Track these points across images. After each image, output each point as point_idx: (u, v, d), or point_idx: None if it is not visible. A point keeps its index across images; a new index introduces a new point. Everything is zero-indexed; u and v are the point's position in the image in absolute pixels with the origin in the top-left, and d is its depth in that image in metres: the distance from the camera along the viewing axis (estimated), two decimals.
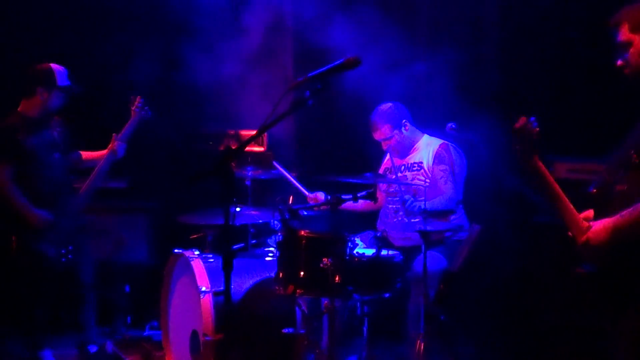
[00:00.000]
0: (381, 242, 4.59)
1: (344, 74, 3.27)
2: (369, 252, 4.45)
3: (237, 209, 5.11)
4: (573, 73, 5.28)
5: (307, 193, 5.28)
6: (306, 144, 6.02)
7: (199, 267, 4.77)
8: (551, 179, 3.21)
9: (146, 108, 5.42)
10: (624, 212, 2.97)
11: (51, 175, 5.17)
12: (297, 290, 4.24)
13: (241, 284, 4.85)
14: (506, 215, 5.22)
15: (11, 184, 5.00)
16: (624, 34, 3.10)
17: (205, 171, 3.20)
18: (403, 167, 5.17)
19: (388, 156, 5.21)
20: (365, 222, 5.42)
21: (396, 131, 5.14)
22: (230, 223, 3.11)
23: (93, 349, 5.35)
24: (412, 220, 4.81)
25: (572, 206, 3.19)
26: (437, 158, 5.03)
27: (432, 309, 4.49)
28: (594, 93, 5.09)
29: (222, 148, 6.05)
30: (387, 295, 4.38)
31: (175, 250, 5.05)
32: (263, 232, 5.37)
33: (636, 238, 2.96)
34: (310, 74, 3.30)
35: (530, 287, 5.08)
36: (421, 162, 5.10)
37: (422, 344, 4.42)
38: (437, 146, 5.08)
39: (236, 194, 3.00)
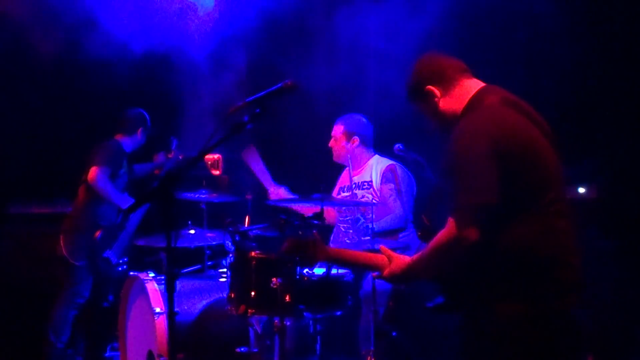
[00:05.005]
0: None
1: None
2: (319, 271, 4.52)
3: (191, 232, 5.18)
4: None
5: (270, 187, 5.24)
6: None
7: (153, 289, 4.84)
8: (342, 254, 3.27)
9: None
10: (414, 258, 2.93)
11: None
12: (249, 310, 4.28)
13: (195, 305, 4.93)
14: None
15: (109, 181, 5.47)
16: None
17: (145, 196, 3.27)
18: (354, 185, 5.28)
19: (343, 174, 5.32)
20: None
21: (343, 137, 5.25)
22: (173, 245, 3.17)
23: None
24: (362, 239, 4.90)
25: (371, 255, 3.16)
26: (384, 177, 5.14)
27: (382, 326, 4.56)
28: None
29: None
30: (338, 313, 4.44)
31: (131, 273, 5.13)
32: (219, 253, 5.42)
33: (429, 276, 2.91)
34: (249, 99, 3.39)
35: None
36: (370, 181, 5.20)
37: None
38: (384, 166, 5.19)
39: (176, 217, 3.06)
